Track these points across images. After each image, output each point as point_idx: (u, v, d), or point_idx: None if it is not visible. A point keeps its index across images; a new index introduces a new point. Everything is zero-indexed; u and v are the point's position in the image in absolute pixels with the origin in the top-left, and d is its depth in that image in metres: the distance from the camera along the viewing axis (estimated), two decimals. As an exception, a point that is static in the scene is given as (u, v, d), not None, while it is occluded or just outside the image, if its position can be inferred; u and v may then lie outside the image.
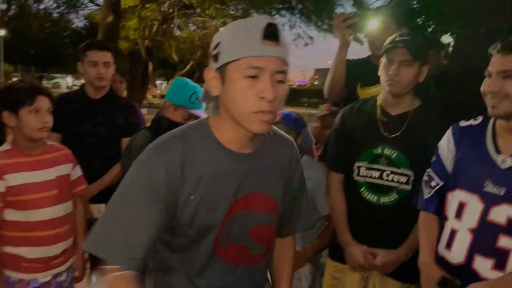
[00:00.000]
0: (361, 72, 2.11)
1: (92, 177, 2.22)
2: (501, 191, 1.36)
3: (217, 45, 1.03)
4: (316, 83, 56.07)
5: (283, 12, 17.00)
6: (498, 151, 1.40)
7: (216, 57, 1.03)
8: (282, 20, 17.49)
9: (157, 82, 38.45)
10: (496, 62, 1.37)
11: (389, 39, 1.72)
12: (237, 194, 1.10)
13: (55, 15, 25.80)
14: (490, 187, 1.39)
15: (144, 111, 13.98)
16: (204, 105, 2.04)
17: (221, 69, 1.02)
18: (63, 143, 2.30)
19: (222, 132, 1.09)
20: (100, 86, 2.37)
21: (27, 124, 1.74)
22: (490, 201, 1.38)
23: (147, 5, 10.26)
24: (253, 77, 0.99)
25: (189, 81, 2.05)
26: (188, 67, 14.90)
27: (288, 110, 2.25)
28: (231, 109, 1.03)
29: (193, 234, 1.10)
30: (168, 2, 11.02)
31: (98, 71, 2.34)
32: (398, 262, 1.72)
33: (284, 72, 1.02)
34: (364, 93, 2.12)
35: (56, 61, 30.87)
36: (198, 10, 11.32)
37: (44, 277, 1.84)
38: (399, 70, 1.66)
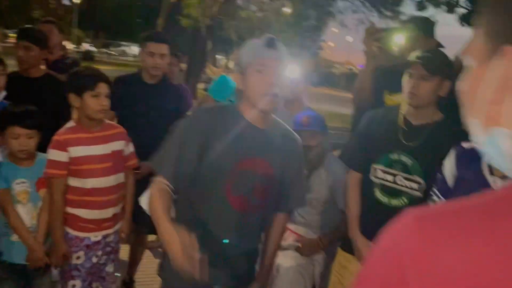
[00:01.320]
0: (389, 79, 2.22)
1: (142, 153, 2.50)
2: None
3: (240, 58, 1.54)
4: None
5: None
6: (491, 172, 1.51)
7: (239, 65, 1.55)
8: (345, 5, 17.16)
9: (217, 56, 39.13)
10: None
11: (412, 54, 1.83)
12: (248, 154, 1.55)
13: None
14: None
15: (201, 85, 14.43)
16: None
17: (243, 72, 1.52)
18: (120, 120, 2.62)
19: (244, 111, 1.57)
20: (155, 74, 2.65)
21: (89, 106, 2.05)
22: None
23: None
24: (262, 71, 1.47)
25: (231, 81, 2.26)
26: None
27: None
28: (250, 94, 1.52)
29: (210, 175, 1.54)
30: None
31: (154, 61, 2.61)
32: None
33: (282, 68, 1.50)
34: (391, 99, 2.24)
35: (124, 30, 32.15)
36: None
37: (95, 236, 2.17)
38: (418, 84, 1.78)
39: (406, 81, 1.83)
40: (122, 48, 42.42)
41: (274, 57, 1.48)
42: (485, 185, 1.52)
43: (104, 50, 37.78)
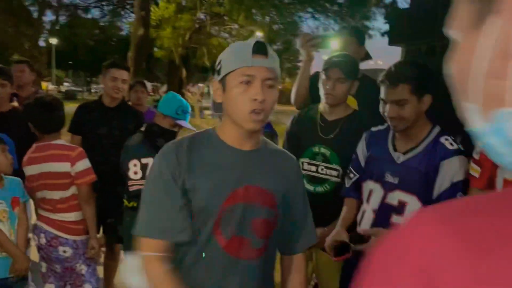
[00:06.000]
0: None
1: (107, 171, 2.74)
2: (396, 180, 1.79)
3: (219, 62, 1.23)
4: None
5: (317, 15, 17.33)
6: (395, 149, 1.83)
7: (219, 71, 1.24)
8: (315, 23, 17.81)
9: (200, 84, 39.80)
10: (389, 93, 1.71)
11: (327, 59, 2.14)
12: (237, 184, 1.25)
13: (102, 24, 27.35)
14: (389, 177, 1.82)
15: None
16: (188, 117, 2.54)
17: (223, 80, 1.23)
18: (85, 143, 2.91)
19: (225, 133, 1.28)
20: (116, 97, 2.97)
21: None
22: (387, 188, 1.81)
23: (180, 15, 10.99)
24: (247, 82, 1.18)
25: (178, 95, 2.56)
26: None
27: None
28: (231, 111, 1.23)
29: (194, 217, 1.25)
30: (200, 12, 11.74)
31: (117, 84, 2.93)
32: (325, 236, 2.14)
33: (272, 79, 1.21)
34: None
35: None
36: (226, 18, 11.98)
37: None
38: (335, 85, 2.08)
39: (323, 83, 2.12)
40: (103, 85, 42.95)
41: (264, 64, 1.19)
42: (389, 159, 1.82)
43: (86, 88, 38.18)
